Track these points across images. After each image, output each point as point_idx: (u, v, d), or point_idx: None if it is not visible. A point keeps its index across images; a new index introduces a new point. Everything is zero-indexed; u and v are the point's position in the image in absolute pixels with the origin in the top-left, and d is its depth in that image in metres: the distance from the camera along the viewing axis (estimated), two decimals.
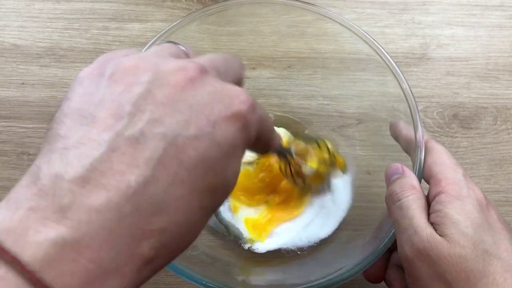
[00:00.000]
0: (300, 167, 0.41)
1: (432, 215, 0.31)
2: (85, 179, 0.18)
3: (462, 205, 0.30)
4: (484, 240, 0.29)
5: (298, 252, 0.43)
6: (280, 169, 0.41)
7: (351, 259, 0.35)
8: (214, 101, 0.21)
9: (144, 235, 0.19)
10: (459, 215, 0.30)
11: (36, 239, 0.17)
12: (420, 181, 0.34)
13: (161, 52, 0.24)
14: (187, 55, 0.25)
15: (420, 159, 0.35)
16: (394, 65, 0.38)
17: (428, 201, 0.32)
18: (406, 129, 0.37)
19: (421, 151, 0.35)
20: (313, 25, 0.43)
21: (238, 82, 0.26)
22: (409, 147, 0.37)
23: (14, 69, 0.50)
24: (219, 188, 0.22)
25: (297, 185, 0.42)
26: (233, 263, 0.43)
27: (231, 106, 0.22)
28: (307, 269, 0.41)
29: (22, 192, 0.19)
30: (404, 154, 0.37)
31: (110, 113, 0.20)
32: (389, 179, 0.34)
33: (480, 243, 0.29)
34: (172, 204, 0.20)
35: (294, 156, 0.40)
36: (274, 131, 0.28)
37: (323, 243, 0.43)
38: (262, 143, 0.26)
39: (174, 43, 0.26)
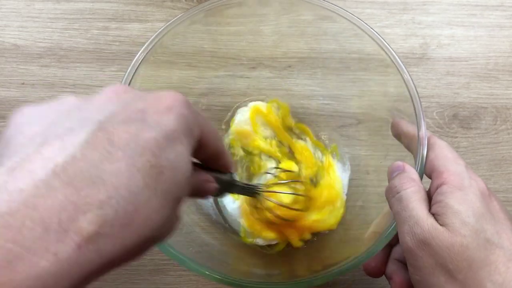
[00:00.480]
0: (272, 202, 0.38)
1: (433, 206, 0.31)
2: (12, 169, 0.18)
3: (464, 195, 0.30)
4: (486, 229, 0.29)
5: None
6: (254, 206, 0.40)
7: (351, 253, 0.35)
8: (141, 100, 0.22)
9: (79, 208, 0.18)
10: (460, 205, 0.30)
11: None
12: (421, 177, 0.34)
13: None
14: None
15: (422, 155, 0.35)
16: (399, 60, 0.38)
17: (430, 194, 0.32)
18: (408, 127, 0.37)
19: (423, 147, 0.35)
20: (313, 25, 0.43)
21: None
22: (411, 144, 0.37)
23: (14, 69, 0.50)
24: (164, 170, 0.21)
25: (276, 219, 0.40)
26: (232, 254, 0.43)
27: (161, 101, 0.22)
28: (307, 262, 0.41)
29: None
30: (405, 153, 0.37)
31: (39, 125, 0.21)
32: (390, 176, 0.34)
33: (482, 232, 0.29)
34: (108, 179, 0.19)
35: (262, 192, 0.37)
36: (223, 143, 0.27)
37: (324, 237, 0.43)
38: (212, 147, 0.26)
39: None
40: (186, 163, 0.22)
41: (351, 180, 0.46)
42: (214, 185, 0.28)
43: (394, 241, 0.36)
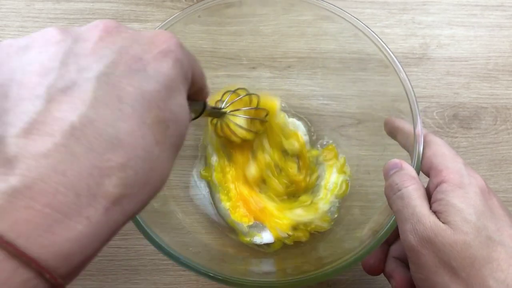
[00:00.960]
0: (232, 123, 0.42)
1: (434, 204, 0.31)
2: (27, 131, 0.18)
3: (464, 193, 0.30)
4: (487, 226, 0.29)
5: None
6: (215, 128, 0.43)
7: (350, 251, 0.35)
8: (136, 43, 0.21)
9: (103, 172, 0.18)
10: (461, 203, 0.30)
11: None
12: (418, 174, 0.34)
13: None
14: None
15: (419, 152, 0.35)
16: (395, 59, 0.38)
17: (429, 192, 0.32)
18: (404, 124, 0.37)
19: (419, 144, 0.35)
20: (313, 25, 0.43)
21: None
22: (407, 142, 0.37)
23: None
24: (170, 122, 0.21)
25: (234, 140, 0.43)
26: (231, 254, 0.43)
27: (156, 45, 0.22)
28: (306, 260, 0.41)
29: None
30: (405, 153, 0.37)
31: (36, 73, 0.20)
32: (388, 173, 0.34)
33: (483, 230, 0.29)
34: (125, 139, 0.19)
35: (226, 111, 0.41)
36: (204, 76, 0.27)
37: (322, 236, 0.43)
38: (197, 85, 0.26)
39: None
40: (186, 113, 0.23)
41: (351, 180, 0.46)
42: (191, 115, 0.29)
43: (392, 239, 0.36)
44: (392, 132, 0.39)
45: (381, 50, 0.39)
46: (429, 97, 0.51)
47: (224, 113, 0.41)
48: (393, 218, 0.34)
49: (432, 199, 0.31)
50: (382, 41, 0.39)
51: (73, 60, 0.20)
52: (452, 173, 0.32)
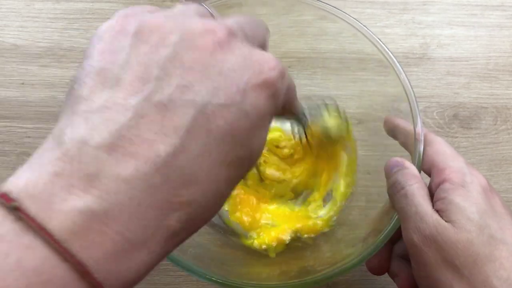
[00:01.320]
0: (314, 131, 0.41)
1: (437, 203, 0.31)
2: (112, 147, 0.18)
3: (466, 192, 0.30)
4: (490, 225, 0.29)
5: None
6: (294, 136, 0.42)
7: (353, 252, 0.35)
8: (244, 68, 0.21)
9: (172, 207, 0.19)
10: (464, 202, 0.30)
11: (63, 207, 0.17)
12: (419, 173, 0.34)
13: (187, 11, 0.23)
14: (213, 17, 0.24)
15: (420, 151, 0.35)
16: (394, 59, 0.38)
17: (431, 191, 0.32)
18: (404, 123, 0.37)
19: (420, 143, 0.35)
20: (313, 25, 0.43)
21: (264, 46, 0.25)
22: (407, 141, 0.37)
23: (14, 69, 0.50)
24: (245, 160, 0.21)
25: (312, 150, 0.43)
26: (232, 256, 0.43)
27: (261, 73, 0.21)
28: (308, 262, 0.41)
29: (46, 155, 0.18)
30: (406, 153, 0.37)
31: (136, 76, 0.19)
32: (390, 171, 0.34)
33: (486, 228, 0.29)
34: (201, 176, 0.19)
35: (309, 119, 0.39)
36: (297, 98, 0.27)
37: (322, 238, 0.43)
38: (287, 111, 0.26)
39: (200, 4, 0.24)
40: (262, 147, 0.23)
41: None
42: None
43: (396, 237, 0.36)
44: (392, 130, 0.39)
45: (380, 51, 0.39)
46: (429, 97, 0.51)
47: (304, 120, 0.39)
48: (395, 218, 0.34)
49: (435, 198, 0.31)
50: (381, 42, 0.39)
51: (178, 72, 0.19)
52: (454, 172, 0.32)
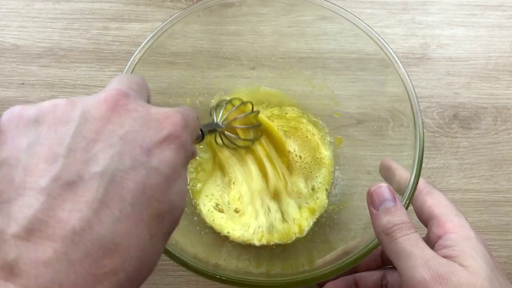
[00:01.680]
0: (231, 134, 0.44)
1: (443, 251, 0.31)
2: (29, 232, 0.18)
3: (474, 245, 0.30)
4: (499, 279, 0.30)
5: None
6: (216, 142, 0.45)
7: (349, 250, 0.35)
8: (143, 128, 0.21)
9: (97, 279, 0.19)
10: (474, 252, 0.30)
11: None
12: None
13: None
14: None
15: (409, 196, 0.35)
16: (396, 58, 0.38)
17: (429, 241, 0.32)
18: (400, 170, 0.37)
19: (410, 189, 0.35)
20: (313, 25, 0.43)
21: (149, 98, 0.26)
22: (400, 187, 0.36)
23: (14, 69, 0.50)
24: (166, 214, 0.21)
25: (235, 147, 0.45)
26: (230, 253, 0.43)
27: (162, 129, 0.22)
28: (305, 260, 0.41)
29: None
30: (406, 153, 0.37)
31: (42, 158, 0.20)
32: (377, 203, 0.33)
33: (495, 281, 0.29)
34: (121, 242, 0.19)
35: (222, 126, 0.42)
36: (198, 124, 0.28)
37: (320, 236, 0.43)
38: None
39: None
40: (184, 198, 0.23)
41: (351, 180, 0.46)
42: (195, 150, 0.29)
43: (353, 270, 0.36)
44: (386, 176, 0.39)
45: (382, 49, 0.39)
46: (429, 97, 0.51)
47: (220, 128, 0.42)
48: None
49: (438, 247, 0.31)
50: (383, 40, 0.39)
51: (80, 146, 0.20)
52: (457, 226, 0.32)
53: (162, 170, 0.21)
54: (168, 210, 0.21)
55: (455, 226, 0.32)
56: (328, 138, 0.48)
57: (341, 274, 0.36)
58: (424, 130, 0.46)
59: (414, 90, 0.37)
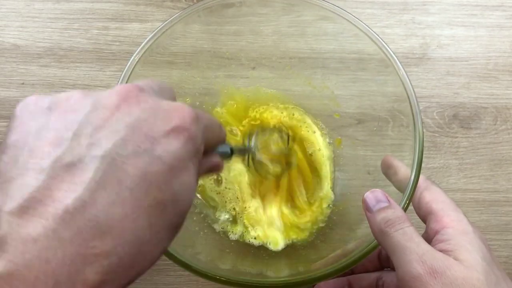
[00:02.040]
0: (263, 159, 0.43)
1: (439, 245, 0.31)
2: (23, 209, 0.18)
3: (471, 239, 0.30)
4: (495, 273, 0.30)
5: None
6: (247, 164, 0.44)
7: (350, 250, 0.35)
8: (151, 117, 0.22)
9: (86, 260, 0.18)
10: (470, 246, 0.30)
11: None
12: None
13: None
14: None
15: (410, 195, 0.35)
16: (396, 58, 0.38)
17: (427, 237, 0.32)
18: (401, 168, 0.37)
19: (410, 187, 0.35)
20: (313, 25, 0.43)
21: (173, 100, 0.26)
22: (401, 184, 0.36)
23: (14, 69, 0.50)
24: (168, 203, 0.21)
25: (264, 175, 0.44)
26: (231, 254, 0.43)
27: (170, 121, 0.22)
28: (306, 261, 0.41)
29: None
30: (406, 153, 0.37)
31: (48, 142, 0.20)
32: (371, 206, 0.33)
33: (492, 274, 0.29)
34: (115, 225, 0.19)
35: (254, 150, 0.42)
36: (223, 132, 0.28)
37: (321, 237, 0.43)
38: (214, 143, 0.27)
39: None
40: (190, 192, 0.23)
41: (351, 180, 0.46)
42: (222, 164, 0.30)
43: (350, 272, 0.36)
44: (387, 170, 0.39)
45: (381, 50, 0.39)
46: (429, 97, 0.51)
47: (252, 152, 0.42)
48: None
49: (435, 241, 0.31)
50: (383, 40, 0.39)
51: (86, 132, 0.20)
52: (455, 220, 0.32)
53: (166, 159, 0.21)
54: (170, 200, 0.21)
55: (452, 221, 0.32)
56: (328, 139, 0.48)
57: (339, 275, 0.36)
58: (424, 130, 0.47)
59: (414, 91, 0.37)
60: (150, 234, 0.21)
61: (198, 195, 0.46)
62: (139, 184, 0.20)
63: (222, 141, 0.29)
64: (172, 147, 0.21)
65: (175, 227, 0.22)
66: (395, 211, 0.32)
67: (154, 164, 0.21)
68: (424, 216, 0.34)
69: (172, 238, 0.23)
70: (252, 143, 0.42)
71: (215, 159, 0.29)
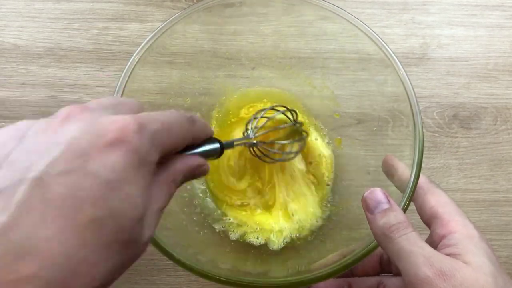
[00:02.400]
0: (267, 146, 0.40)
1: (446, 249, 0.31)
2: None
3: (478, 243, 0.31)
4: (501, 277, 0.30)
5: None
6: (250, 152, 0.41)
7: (351, 250, 0.35)
8: (85, 134, 0.21)
9: (8, 285, 0.17)
10: (477, 250, 0.30)
11: None
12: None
13: None
14: None
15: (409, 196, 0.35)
16: (396, 58, 0.38)
17: (432, 241, 0.32)
18: (402, 168, 0.37)
19: (410, 188, 0.35)
20: (314, 25, 0.43)
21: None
22: (401, 185, 0.36)
23: (14, 69, 0.50)
24: (106, 219, 0.20)
25: (270, 162, 0.42)
26: (231, 254, 0.43)
27: (105, 134, 0.21)
28: (306, 261, 0.41)
29: None
30: (406, 153, 0.37)
31: None
32: (372, 208, 0.33)
33: (499, 278, 0.29)
34: (41, 247, 0.18)
35: (254, 139, 0.38)
36: (196, 133, 0.27)
37: (322, 237, 0.43)
38: (188, 141, 0.26)
39: None
40: (136, 205, 0.21)
41: (351, 180, 0.46)
42: (206, 167, 0.28)
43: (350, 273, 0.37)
44: (389, 172, 0.39)
45: (381, 50, 0.39)
46: (429, 97, 0.51)
47: (254, 143, 0.38)
48: None
49: (441, 246, 0.31)
50: (383, 41, 0.39)
51: (22, 157, 0.20)
52: (461, 225, 0.32)
53: (102, 174, 0.20)
54: (108, 216, 0.20)
55: (458, 225, 0.32)
56: (328, 139, 0.48)
57: (339, 276, 0.36)
58: (424, 130, 0.47)
59: (414, 90, 0.37)
60: (85, 253, 0.19)
61: (201, 194, 0.46)
62: (68, 202, 0.19)
63: (197, 139, 0.28)
64: (109, 161, 0.21)
65: (122, 243, 0.21)
66: (397, 215, 0.32)
67: (86, 180, 0.20)
68: (429, 219, 0.34)
69: (126, 251, 0.21)
70: (250, 131, 0.39)
71: (192, 161, 0.27)
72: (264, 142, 0.40)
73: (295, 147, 0.44)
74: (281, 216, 0.45)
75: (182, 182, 0.26)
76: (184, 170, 0.26)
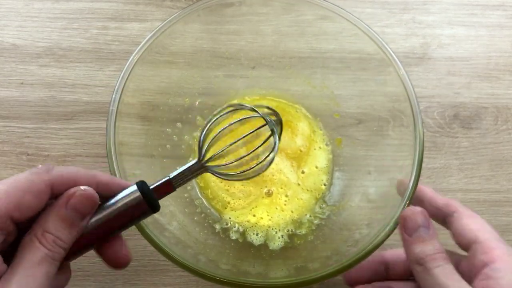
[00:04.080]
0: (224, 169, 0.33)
1: (490, 281, 0.30)
2: None
3: None
4: None
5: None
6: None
7: (350, 250, 0.35)
8: None
9: None
10: None
11: None
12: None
13: None
14: None
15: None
16: (396, 58, 0.38)
17: (468, 265, 0.32)
18: (431, 193, 0.36)
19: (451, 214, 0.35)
20: (314, 24, 0.43)
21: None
22: (438, 214, 0.36)
23: (13, 69, 0.50)
24: None
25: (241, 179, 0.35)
26: (231, 255, 0.43)
27: None
28: (305, 261, 0.41)
29: None
30: (406, 153, 0.37)
31: None
32: (411, 230, 0.32)
33: None
34: None
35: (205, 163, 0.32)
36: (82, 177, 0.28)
37: (320, 237, 0.43)
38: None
39: None
40: None
41: (351, 180, 0.46)
42: (129, 257, 0.29)
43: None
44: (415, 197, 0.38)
45: (381, 49, 0.39)
46: (429, 97, 0.51)
47: (205, 169, 0.32)
48: (392, 221, 0.34)
49: (483, 276, 0.31)
50: (383, 40, 0.39)
51: None
52: (505, 254, 0.31)
53: None
54: None
55: (503, 254, 0.31)
56: (328, 139, 0.48)
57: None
58: (425, 130, 0.47)
59: (414, 90, 0.37)
60: None
61: (199, 199, 0.46)
62: None
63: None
64: None
65: None
66: (435, 245, 0.32)
67: None
68: (468, 244, 0.33)
69: None
70: (202, 153, 0.32)
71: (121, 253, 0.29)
72: (218, 166, 0.32)
73: (267, 149, 0.34)
74: (278, 211, 0.45)
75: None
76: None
